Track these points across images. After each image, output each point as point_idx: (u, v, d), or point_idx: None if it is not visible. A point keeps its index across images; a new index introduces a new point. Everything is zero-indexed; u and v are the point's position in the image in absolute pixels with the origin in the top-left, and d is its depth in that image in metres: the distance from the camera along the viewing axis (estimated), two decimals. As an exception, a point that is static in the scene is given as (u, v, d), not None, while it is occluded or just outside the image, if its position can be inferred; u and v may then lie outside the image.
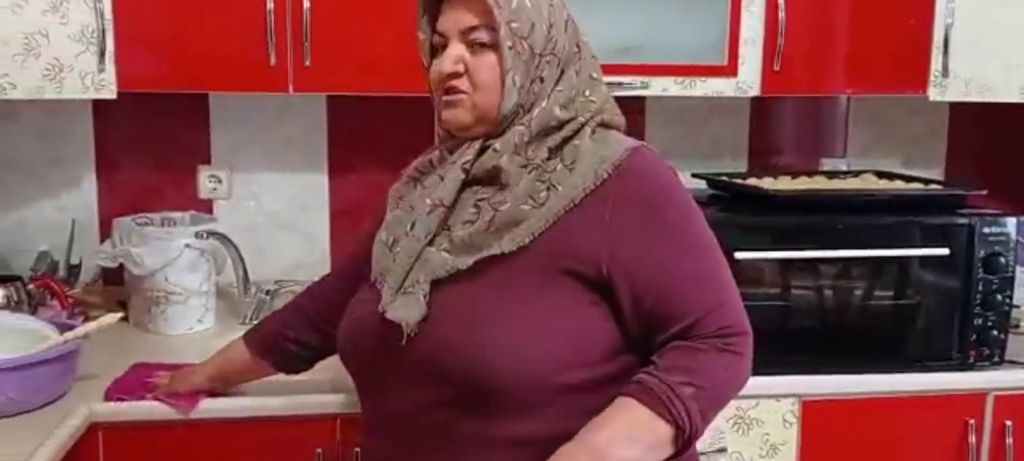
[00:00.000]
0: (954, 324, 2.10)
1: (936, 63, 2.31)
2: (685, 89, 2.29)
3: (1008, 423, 2.13)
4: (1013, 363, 2.13)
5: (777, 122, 2.78)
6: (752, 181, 2.32)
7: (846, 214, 2.11)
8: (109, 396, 1.82)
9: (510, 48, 1.34)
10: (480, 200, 1.37)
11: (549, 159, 1.37)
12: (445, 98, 1.40)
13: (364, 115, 2.56)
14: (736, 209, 2.19)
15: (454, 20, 1.38)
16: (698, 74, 2.28)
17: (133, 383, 1.85)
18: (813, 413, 2.09)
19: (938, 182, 2.50)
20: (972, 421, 2.11)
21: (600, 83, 1.44)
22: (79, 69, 2.06)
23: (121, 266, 2.23)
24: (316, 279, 2.50)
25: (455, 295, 1.35)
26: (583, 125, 1.39)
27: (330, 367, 1.71)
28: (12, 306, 2.16)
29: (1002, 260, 2.07)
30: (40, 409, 1.73)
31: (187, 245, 2.22)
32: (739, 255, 1.95)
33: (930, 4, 2.29)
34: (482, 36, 1.36)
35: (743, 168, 2.76)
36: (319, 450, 1.88)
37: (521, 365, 1.29)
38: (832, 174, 2.48)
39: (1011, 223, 2.08)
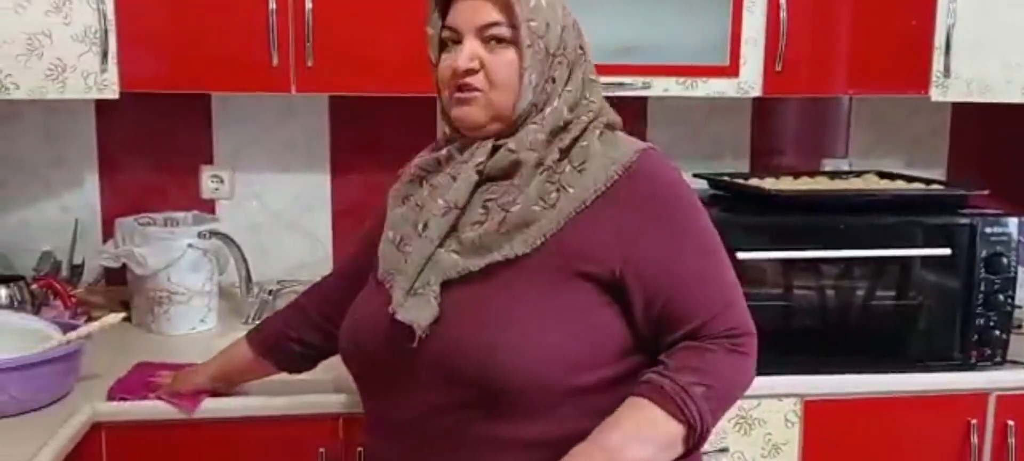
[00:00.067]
0: (956, 324, 2.10)
1: (938, 63, 2.31)
2: (687, 89, 2.29)
3: (1010, 423, 2.12)
4: (1015, 363, 2.13)
5: (779, 122, 2.78)
6: (754, 181, 2.32)
7: (848, 214, 2.11)
8: (112, 396, 1.82)
9: (528, 46, 1.34)
10: (488, 200, 1.37)
11: (559, 160, 1.37)
12: (457, 95, 1.38)
13: (366, 115, 2.57)
14: (738, 209, 2.19)
15: (470, 16, 1.37)
16: (700, 74, 2.28)
17: (136, 383, 1.86)
18: (815, 413, 2.09)
19: (940, 182, 2.50)
20: (974, 421, 2.11)
21: (597, 84, 1.45)
22: (82, 69, 2.06)
23: (124, 266, 2.23)
24: (318, 279, 2.52)
25: (466, 296, 1.34)
26: (588, 126, 1.40)
27: (332, 366, 1.71)
28: (15, 306, 2.16)
29: (1004, 260, 2.06)
30: (43, 409, 1.74)
31: (190, 245, 2.22)
32: (741, 255, 1.95)
33: (932, 5, 2.29)
34: (502, 33, 1.35)
35: (745, 168, 2.76)
36: (322, 450, 1.88)
37: (534, 367, 1.29)
38: (834, 174, 2.48)
39: (1013, 223, 2.08)
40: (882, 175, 2.43)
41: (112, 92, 2.10)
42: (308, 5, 2.12)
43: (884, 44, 2.33)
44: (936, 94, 2.34)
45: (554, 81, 1.38)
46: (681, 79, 2.28)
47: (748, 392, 1.39)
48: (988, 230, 2.07)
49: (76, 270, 2.43)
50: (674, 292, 1.34)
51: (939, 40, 2.30)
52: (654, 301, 1.33)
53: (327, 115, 2.60)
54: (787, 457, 2.10)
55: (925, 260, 2.11)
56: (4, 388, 1.67)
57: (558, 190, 1.35)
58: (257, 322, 2.30)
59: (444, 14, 1.41)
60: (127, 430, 1.82)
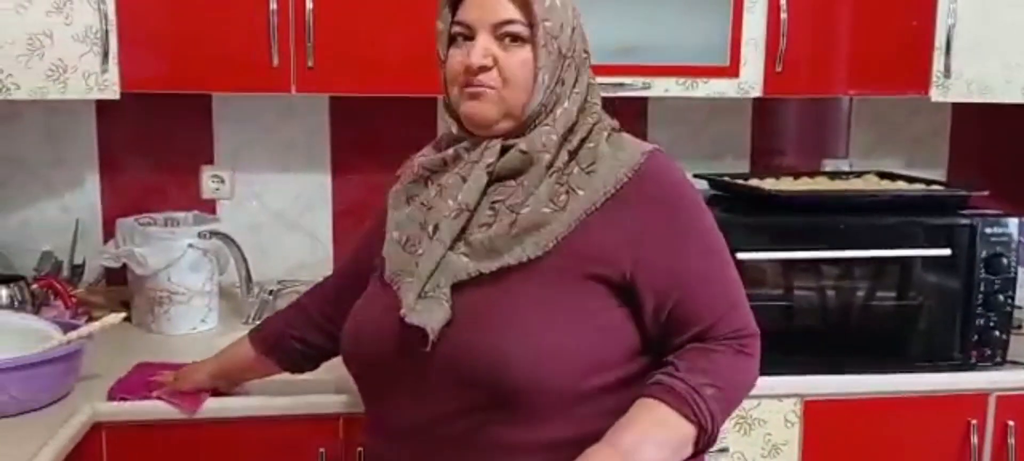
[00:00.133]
0: (956, 324, 2.10)
1: (938, 64, 2.31)
2: (687, 90, 2.29)
3: (1010, 423, 2.13)
4: (1015, 363, 2.13)
5: (779, 123, 2.78)
6: (754, 182, 2.32)
7: (848, 215, 2.11)
8: (112, 396, 1.82)
9: (543, 46, 1.34)
10: (496, 202, 1.36)
11: (567, 162, 1.36)
12: (469, 91, 1.36)
13: (366, 115, 2.57)
14: (738, 209, 2.19)
15: (486, 12, 1.35)
16: (700, 75, 2.28)
17: (136, 383, 1.86)
18: (815, 413, 2.09)
19: (940, 183, 2.50)
20: (974, 421, 2.11)
21: (596, 86, 1.44)
22: (83, 69, 2.06)
23: (124, 266, 2.24)
24: (319, 279, 2.52)
25: (476, 299, 1.32)
26: (594, 128, 1.39)
27: (333, 367, 1.71)
28: (16, 306, 2.16)
29: (1004, 260, 2.07)
30: (44, 409, 1.74)
31: (190, 245, 2.22)
32: (741, 255, 1.95)
33: (932, 5, 2.29)
34: (517, 31, 1.34)
35: (745, 169, 2.76)
36: (322, 449, 1.88)
37: (547, 370, 1.28)
38: (834, 175, 2.48)
39: (1013, 224, 2.08)
40: (882, 175, 2.43)
41: (113, 92, 2.10)
42: (308, 5, 2.12)
43: (884, 44, 2.33)
44: (936, 94, 2.34)
45: (563, 83, 1.37)
46: (681, 79, 2.28)
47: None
48: (988, 230, 2.07)
49: (77, 270, 2.43)
50: (683, 294, 1.34)
51: (939, 40, 2.30)
52: (664, 303, 1.34)
53: (327, 115, 2.60)
54: (787, 457, 2.10)
55: (925, 260, 2.11)
56: (4, 388, 1.68)
57: (567, 192, 1.34)
58: (258, 322, 2.31)
59: (454, 9, 1.40)
60: (127, 430, 1.82)
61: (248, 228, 2.56)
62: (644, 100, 2.62)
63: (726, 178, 2.38)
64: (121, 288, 2.40)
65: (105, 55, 2.06)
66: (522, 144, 1.35)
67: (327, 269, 2.63)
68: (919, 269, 2.12)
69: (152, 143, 2.55)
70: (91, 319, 2.06)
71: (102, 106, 2.48)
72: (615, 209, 1.34)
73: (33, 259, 2.40)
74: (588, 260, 1.33)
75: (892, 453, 2.11)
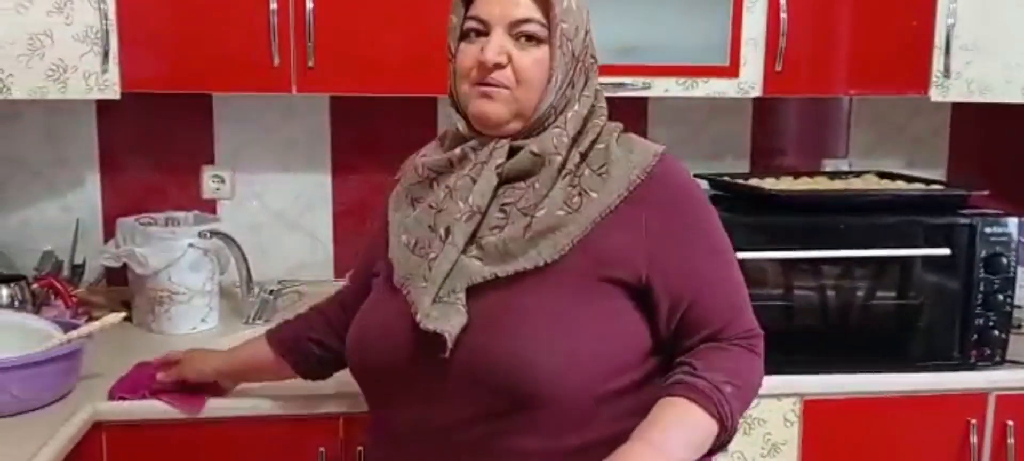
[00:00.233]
0: (955, 324, 2.10)
1: (938, 64, 2.32)
2: (687, 90, 2.30)
3: (1010, 423, 2.12)
4: (1014, 363, 2.13)
5: (779, 123, 2.79)
6: (754, 181, 2.32)
7: (848, 214, 2.11)
8: (113, 395, 1.82)
9: (558, 47, 1.33)
10: (506, 204, 1.34)
11: (578, 164, 1.35)
12: (481, 89, 1.35)
13: (367, 115, 2.57)
14: (738, 209, 2.19)
15: (504, 8, 1.33)
16: (700, 75, 2.29)
17: (137, 381, 1.85)
18: (814, 412, 2.09)
19: (940, 183, 2.51)
20: (973, 421, 2.11)
21: (602, 91, 1.44)
22: (83, 69, 2.06)
23: (125, 266, 2.23)
24: (319, 279, 2.52)
25: (491, 304, 1.30)
26: (602, 129, 1.39)
27: (334, 367, 1.71)
28: (16, 305, 2.16)
29: (1003, 260, 2.06)
30: (44, 408, 1.74)
31: (191, 245, 2.22)
32: (741, 255, 1.90)
33: (932, 5, 2.30)
34: (534, 30, 1.33)
35: (745, 169, 2.76)
36: (322, 449, 1.88)
37: (567, 374, 1.27)
38: (834, 175, 2.48)
39: (1012, 223, 2.08)
40: (882, 175, 2.43)
41: (113, 92, 2.10)
42: (309, 5, 2.13)
43: (884, 44, 2.34)
44: (936, 94, 2.34)
45: (573, 85, 1.37)
46: (681, 79, 2.29)
47: (747, 391, 1.40)
48: (988, 230, 2.07)
49: (77, 270, 2.43)
50: (697, 296, 1.34)
51: (939, 40, 2.31)
52: (678, 304, 1.34)
53: (328, 115, 2.60)
54: (786, 457, 2.10)
55: (925, 260, 2.11)
56: (5, 387, 1.68)
57: (581, 194, 1.33)
58: (258, 321, 2.32)
59: (468, 3, 1.38)
60: (128, 429, 1.82)
61: (248, 228, 2.57)
62: (644, 100, 2.62)
63: (726, 178, 2.38)
64: (122, 288, 2.40)
65: (105, 55, 2.07)
66: (533, 145, 1.34)
67: (327, 269, 2.65)
68: (918, 269, 2.12)
69: (152, 143, 2.55)
70: (91, 319, 2.06)
71: (103, 106, 2.48)
72: (629, 211, 1.33)
73: (34, 259, 2.40)
74: (604, 263, 1.32)
75: (891, 453, 2.12)
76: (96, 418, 1.78)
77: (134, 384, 1.85)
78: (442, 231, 1.35)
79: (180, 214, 2.42)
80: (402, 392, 1.36)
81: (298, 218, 2.65)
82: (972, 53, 2.31)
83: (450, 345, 1.27)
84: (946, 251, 2.08)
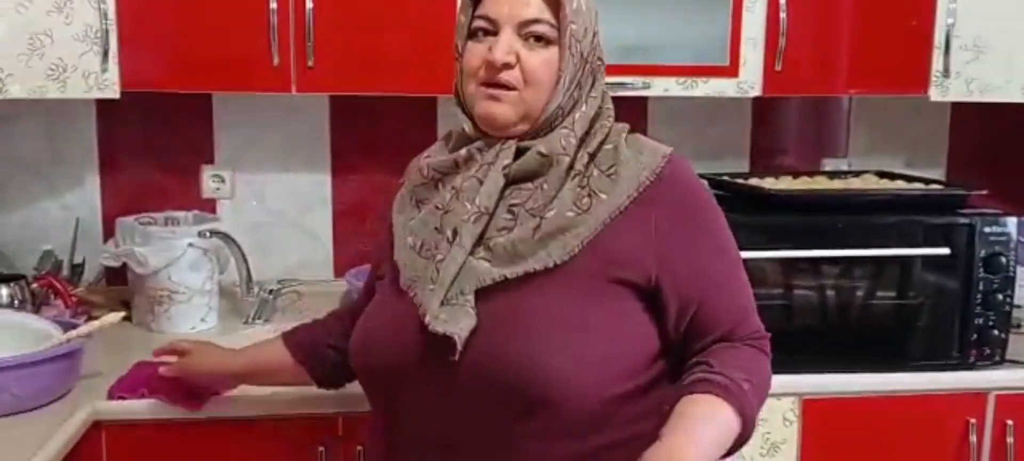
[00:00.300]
0: (955, 324, 2.10)
1: (937, 63, 2.32)
2: (687, 89, 2.30)
3: (1009, 422, 2.13)
4: (1014, 362, 2.13)
5: (779, 122, 2.79)
6: (754, 181, 2.33)
7: (847, 214, 2.12)
8: (112, 395, 1.82)
9: (568, 49, 1.31)
10: (514, 205, 1.33)
11: (587, 165, 1.34)
12: (488, 91, 1.33)
13: (367, 115, 2.57)
14: (737, 209, 2.18)
15: (514, 8, 1.32)
16: (700, 74, 2.29)
17: (137, 380, 1.85)
18: (814, 412, 2.09)
19: (939, 182, 2.51)
20: (973, 420, 2.12)
21: (608, 93, 1.43)
22: (83, 69, 2.07)
23: (124, 265, 2.24)
24: (319, 278, 2.52)
25: (500, 305, 1.28)
26: (610, 130, 1.38)
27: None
28: (16, 305, 2.17)
29: (1003, 260, 2.07)
30: (44, 407, 1.74)
31: (190, 244, 2.22)
32: (741, 254, 1.95)
33: (931, 5, 2.30)
34: (543, 31, 1.31)
35: (745, 168, 2.76)
36: (322, 449, 1.88)
37: (584, 377, 1.25)
38: (833, 174, 2.48)
39: (1012, 223, 2.08)
40: (881, 175, 2.43)
41: (113, 92, 2.11)
42: (309, 5, 2.13)
43: (884, 44, 2.34)
44: (935, 94, 2.34)
45: (581, 86, 1.35)
46: (681, 79, 2.29)
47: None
48: (987, 230, 2.07)
49: (77, 269, 2.44)
50: (706, 297, 1.33)
51: (939, 40, 2.31)
52: (688, 306, 1.33)
53: (328, 115, 2.61)
54: (785, 456, 2.10)
55: (924, 260, 2.11)
56: (5, 387, 1.68)
57: (590, 195, 1.32)
58: (258, 321, 2.33)
59: (476, 1, 1.36)
60: (127, 429, 1.83)
61: (248, 227, 2.57)
62: (644, 99, 2.62)
63: (726, 177, 2.38)
64: (121, 287, 2.40)
65: (105, 54, 2.07)
66: (541, 146, 1.33)
67: (327, 269, 2.65)
68: (918, 268, 2.12)
69: (152, 142, 2.56)
70: (91, 318, 2.07)
71: (102, 105, 2.48)
72: (638, 212, 1.32)
73: (33, 258, 2.41)
74: (613, 264, 1.30)
75: (891, 452, 2.12)
76: (95, 417, 1.79)
77: (133, 383, 1.85)
78: (449, 233, 1.33)
79: (180, 214, 2.43)
80: (408, 395, 1.35)
81: (298, 218, 2.65)
82: (971, 53, 2.31)
83: (459, 347, 1.25)
84: (945, 251, 2.08)
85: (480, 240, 1.32)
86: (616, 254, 1.30)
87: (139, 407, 1.81)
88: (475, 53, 1.34)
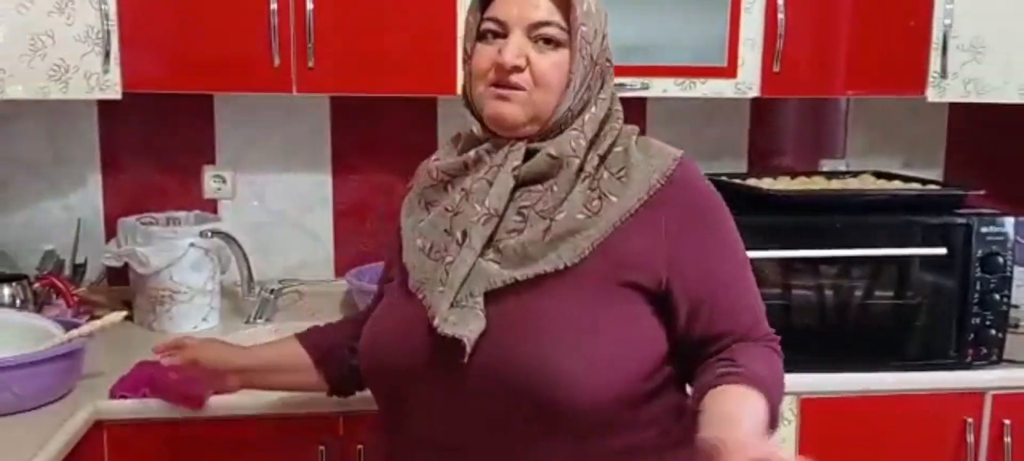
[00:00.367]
0: (952, 323, 2.11)
1: (935, 64, 2.32)
2: (685, 90, 2.30)
3: (1006, 422, 2.13)
4: (1011, 362, 2.14)
5: (777, 123, 2.79)
6: (752, 181, 2.33)
7: (845, 214, 2.12)
8: (114, 394, 1.83)
9: (578, 51, 1.31)
10: (524, 207, 1.32)
11: (597, 167, 1.33)
12: (498, 91, 1.31)
13: (367, 115, 2.58)
14: (736, 209, 2.17)
15: (524, 10, 1.31)
16: (698, 75, 2.29)
17: (138, 380, 1.86)
18: (811, 411, 2.10)
19: (937, 182, 2.51)
20: (970, 420, 2.12)
21: (615, 92, 1.43)
22: (84, 70, 2.07)
23: (126, 265, 2.25)
24: (319, 278, 2.52)
25: (511, 308, 1.27)
26: (620, 132, 1.37)
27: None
28: (18, 304, 2.18)
29: (1000, 260, 2.07)
30: (45, 407, 1.75)
31: (192, 244, 2.23)
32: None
33: (929, 6, 2.30)
34: (553, 33, 1.31)
35: (743, 169, 2.77)
36: (322, 447, 1.89)
37: (592, 379, 1.24)
38: (831, 175, 2.49)
39: (1009, 223, 2.08)
40: (879, 175, 2.44)
41: (114, 92, 2.11)
42: (309, 6, 2.14)
43: (881, 45, 2.34)
44: (933, 95, 2.35)
45: (590, 88, 1.35)
46: (679, 80, 2.29)
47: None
48: (984, 230, 2.07)
49: (78, 269, 2.44)
50: (718, 299, 1.32)
51: (936, 41, 2.31)
52: (699, 309, 1.31)
53: (328, 115, 2.61)
54: (784, 455, 2.11)
55: (921, 260, 2.12)
56: (6, 386, 1.69)
57: (600, 198, 1.31)
58: (259, 321, 2.34)
59: (485, 3, 1.35)
60: (128, 428, 1.83)
61: (249, 227, 2.58)
62: (642, 100, 2.63)
63: (724, 178, 2.38)
64: (123, 287, 2.41)
65: (106, 55, 2.08)
66: (551, 148, 1.32)
67: (328, 269, 2.66)
68: (915, 268, 2.13)
69: (154, 143, 2.56)
70: (93, 318, 2.07)
71: (104, 106, 2.49)
72: (649, 215, 1.31)
73: (35, 258, 2.42)
74: (624, 267, 1.29)
75: (888, 451, 2.12)
76: (97, 417, 1.80)
77: (135, 383, 1.85)
78: (458, 234, 1.32)
79: (181, 214, 2.44)
80: (416, 397, 1.34)
81: (299, 218, 2.66)
82: (969, 54, 2.32)
83: (469, 350, 1.24)
84: (943, 251, 2.08)
85: (490, 242, 1.31)
86: (626, 257, 1.29)
87: (140, 407, 1.82)
88: (484, 55, 1.33)
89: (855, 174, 2.48)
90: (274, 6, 2.12)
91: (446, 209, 1.36)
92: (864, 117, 2.81)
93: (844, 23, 2.33)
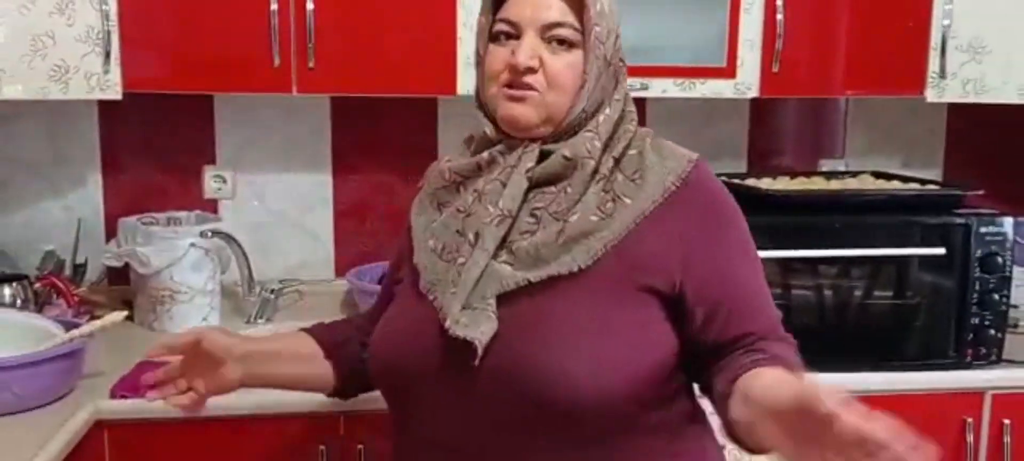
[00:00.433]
0: (951, 323, 2.11)
1: (933, 65, 2.33)
2: (684, 91, 2.31)
3: (1006, 422, 2.14)
4: (1010, 362, 2.14)
5: (776, 123, 2.80)
6: (751, 181, 2.33)
7: (844, 214, 2.13)
8: (114, 394, 1.83)
9: (592, 52, 1.30)
10: (537, 209, 1.30)
11: (613, 168, 1.32)
12: (510, 92, 1.30)
13: (367, 116, 2.58)
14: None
15: (537, 11, 1.30)
16: (697, 75, 2.30)
17: (139, 379, 1.86)
18: (811, 411, 2.09)
19: (935, 182, 2.51)
20: (970, 420, 2.13)
21: (629, 93, 1.41)
22: (85, 70, 2.08)
23: (127, 265, 2.25)
24: (320, 278, 2.52)
25: (523, 310, 1.26)
26: (635, 134, 1.36)
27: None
28: (18, 305, 2.18)
29: (999, 260, 2.08)
30: (46, 406, 1.75)
31: (192, 244, 2.23)
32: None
33: (928, 6, 2.31)
34: (566, 34, 1.30)
35: (742, 169, 2.77)
36: (322, 447, 1.90)
37: (604, 383, 1.22)
38: (830, 175, 2.49)
39: (1008, 223, 2.09)
40: (878, 175, 2.44)
41: (115, 93, 2.12)
42: (309, 6, 2.14)
43: (880, 45, 2.35)
44: (932, 95, 2.35)
45: (604, 89, 1.33)
46: (679, 80, 2.29)
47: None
48: (983, 230, 2.08)
49: (79, 269, 2.45)
50: (734, 302, 1.30)
51: (935, 41, 2.32)
52: (715, 312, 1.29)
53: (328, 115, 2.61)
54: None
55: (920, 260, 2.12)
56: (7, 386, 1.69)
57: (614, 200, 1.30)
58: (260, 320, 2.34)
59: (497, 4, 1.34)
60: (129, 428, 1.84)
61: (250, 228, 2.58)
62: (642, 100, 2.63)
63: (723, 178, 2.37)
64: (123, 287, 2.42)
65: (107, 56, 2.08)
66: (565, 150, 1.30)
67: (328, 269, 2.66)
68: (915, 268, 2.13)
69: (154, 143, 2.57)
70: (93, 318, 2.07)
71: (104, 106, 2.49)
72: (664, 217, 1.30)
73: (36, 258, 2.42)
74: (639, 270, 1.28)
75: (887, 451, 2.12)
76: (98, 417, 1.80)
77: (136, 383, 1.86)
78: (471, 236, 1.31)
79: (181, 214, 2.44)
80: (428, 400, 1.32)
81: (299, 218, 2.66)
82: (968, 54, 2.32)
83: (480, 353, 1.23)
84: (942, 251, 2.09)
85: (503, 244, 1.29)
86: (641, 259, 1.28)
87: (141, 406, 1.80)
88: (497, 57, 1.32)
89: (854, 174, 2.48)
90: (274, 6, 2.12)
91: (459, 210, 1.35)
92: (863, 117, 2.81)
93: (843, 23, 2.34)
